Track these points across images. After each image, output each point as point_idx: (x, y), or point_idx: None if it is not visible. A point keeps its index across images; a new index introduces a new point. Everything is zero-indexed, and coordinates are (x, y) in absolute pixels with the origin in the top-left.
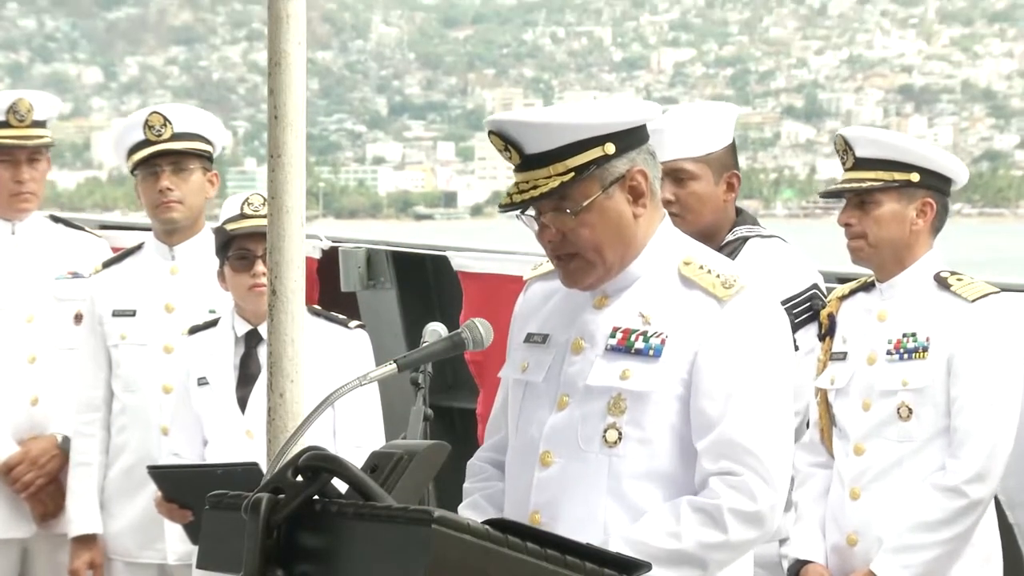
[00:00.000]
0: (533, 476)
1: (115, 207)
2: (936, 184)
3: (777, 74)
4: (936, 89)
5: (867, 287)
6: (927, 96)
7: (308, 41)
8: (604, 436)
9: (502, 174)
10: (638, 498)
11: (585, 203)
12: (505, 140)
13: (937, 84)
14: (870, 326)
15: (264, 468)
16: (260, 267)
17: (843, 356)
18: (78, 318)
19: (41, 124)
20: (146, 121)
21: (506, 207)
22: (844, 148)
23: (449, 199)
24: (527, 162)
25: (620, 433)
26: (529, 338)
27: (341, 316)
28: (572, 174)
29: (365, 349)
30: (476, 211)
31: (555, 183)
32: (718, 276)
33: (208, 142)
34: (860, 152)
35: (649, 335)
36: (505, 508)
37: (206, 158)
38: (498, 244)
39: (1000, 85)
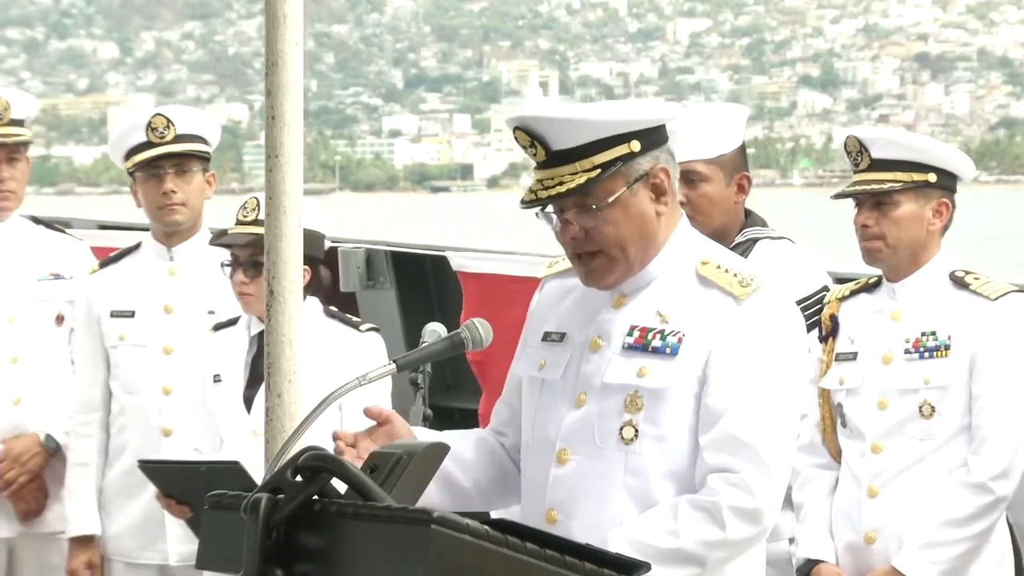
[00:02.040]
0: (549, 474)
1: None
2: (950, 184)
3: (793, 43)
4: (952, 57)
5: (869, 287)
6: (943, 64)
7: (324, 15)
8: (621, 433)
9: (518, 146)
10: (654, 495)
11: (610, 199)
12: (531, 136)
13: (953, 52)
14: (883, 326)
15: (248, 467)
16: (240, 275)
17: (853, 356)
18: (59, 319)
19: (19, 123)
20: (149, 123)
21: (530, 203)
22: (858, 149)
23: (465, 171)
24: (552, 159)
25: (637, 430)
26: (546, 336)
27: (356, 319)
28: (598, 170)
29: (376, 352)
30: (492, 183)
31: (581, 179)
32: (735, 275)
33: (206, 142)
34: (877, 153)
35: (666, 333)
36: (522, 505)
37: (205, 159)
38: (498, 244)
39: (1016, 52)
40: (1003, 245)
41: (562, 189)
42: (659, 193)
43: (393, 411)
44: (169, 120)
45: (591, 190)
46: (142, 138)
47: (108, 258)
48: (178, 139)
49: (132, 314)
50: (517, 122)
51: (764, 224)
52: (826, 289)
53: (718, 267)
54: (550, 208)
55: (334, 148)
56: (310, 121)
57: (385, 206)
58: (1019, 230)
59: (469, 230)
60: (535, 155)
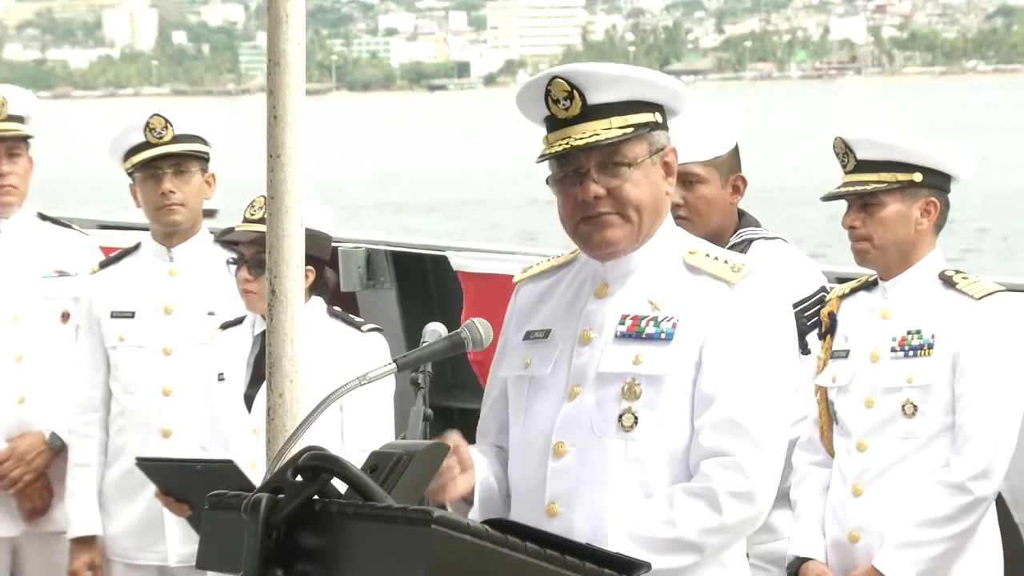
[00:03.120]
0: (547, 467)
1: (128, 84)
2: (938, 183)
3: None
4: None
5: (868, 286)
6: None
7: None
8: (620, 421)
9: (515, 43)
10: (656, 482)
11: (639, 160)
12: (572, 86)
13: None
14: (873, 324)
15: (246, 467)
16: (244, 273)
17: (845, 354)
18: (64, 316)
19: (18, 119)
20: (147, 123)
21: (562, 152)
22: (844, 151)
23: (462, 69)
24: (586, 113)
25: (636, 417)
26: (529, 335)
27: (358, 319)
28: (632, 129)
29: (377, 352)
30: (489, 80)
31: (618, 132)
32: (726, 262)
33: (206, 143)
34: (862, 155)
35: (660, 320)
36: (515, 503)
37: (204, 159)
38: (498, 245)
39: None
40: (1001, 136)
41: (600, 138)
42: (668, 172)
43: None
44: (167, 120)
45: (619, 149)
46: (140, 139)
47: (108, 258)
48: (176, 139)
49: (132, 315)
50: (556, 73)
51: (758, 225)
52: (824, 290)
53: (707, 255)
54: (559, 177)
55: (330, 48)
56: (306, 20)
57: (383, 106)
58: (1017, 120)
59: (467, 125)
60: (568, 108)
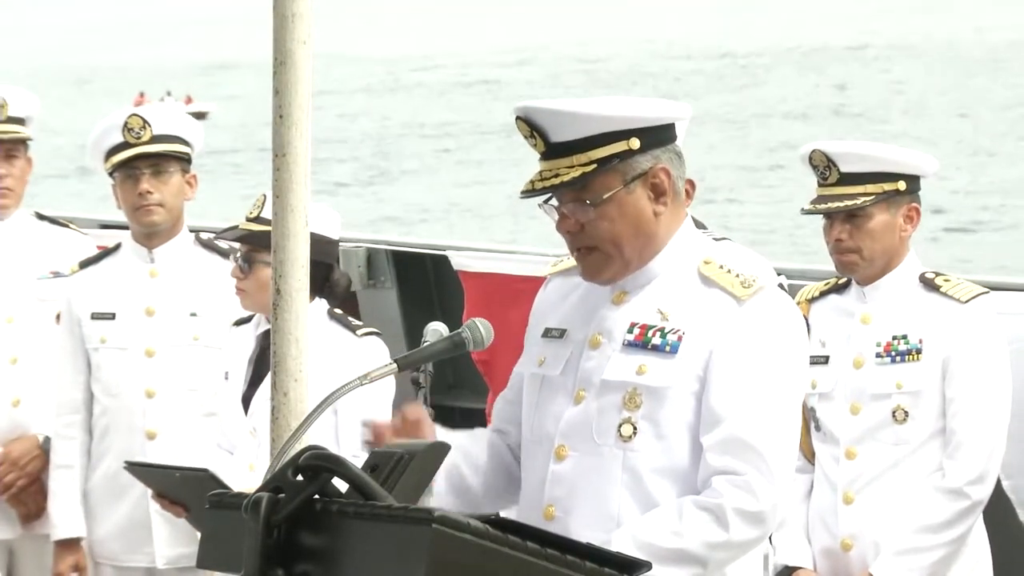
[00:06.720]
0: (548, 469)
1: None
2: (916, 188)
3: None
4: None
5: (839, 288)
6: None
7: None
8: (619, 430)
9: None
10: (652, 493)
11: (605, 196)
12: (531, 126)
13: None
14: (853, 329)
15: (219, 475)
16: (235, 269)
17: (824, 360)
18: (59, 318)
19: (18, 121)
20: (125, 123)
21: (527, 193)
22: (826, 164)
23: None
24: (552, 150)
25: (635, 428)
26: (547, 333)
27: (356, 323)
28: (594, 165)
29: (371, 356)
30: None
31: (577, 173)
32: (737, 276)
33: (187, 143)
34: (845, 168)
35: (666, 331)
36: (520, 502)
37: (185, 160)
38: (499, 244)
39: None
40: None
41: (556, 182)
42: (658, 193)
43: (423, 411)
44: (145, 121)
45: (586, 185)
46: (119, 139)
47: (88, 258)
48: (155, 140)
49: (113, 316)
50: (519, 112)
51: (704, 227)
52: (782, 286)
53: (720, 267)
54: (553, 201)
55: None
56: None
57: None
58: None
59: None
60: (535, 146)
